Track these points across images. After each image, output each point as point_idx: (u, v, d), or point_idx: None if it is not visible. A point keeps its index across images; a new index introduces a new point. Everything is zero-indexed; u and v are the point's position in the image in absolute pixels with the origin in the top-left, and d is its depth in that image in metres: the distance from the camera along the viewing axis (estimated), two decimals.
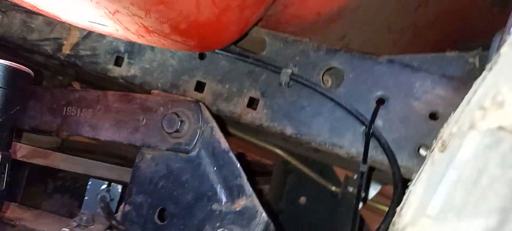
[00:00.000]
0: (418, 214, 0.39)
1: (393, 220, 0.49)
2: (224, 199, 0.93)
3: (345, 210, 2.10)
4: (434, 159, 0.41)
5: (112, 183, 1.15)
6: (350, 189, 2.09)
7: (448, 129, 0.42)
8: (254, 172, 2.45)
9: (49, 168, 1.65)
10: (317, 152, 1.91)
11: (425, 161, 0.50)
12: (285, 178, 2.21)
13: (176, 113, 0.93)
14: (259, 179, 2.29)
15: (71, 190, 1.70)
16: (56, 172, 1.71)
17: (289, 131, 1.10)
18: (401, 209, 0.43)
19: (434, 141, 0.52)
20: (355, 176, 2.08)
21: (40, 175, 1.66)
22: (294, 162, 2.08)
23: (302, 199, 2.18)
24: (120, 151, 1.89)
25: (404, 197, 0.50)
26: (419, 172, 0.47)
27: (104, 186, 1.13)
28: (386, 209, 1.91)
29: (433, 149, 0.44)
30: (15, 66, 0.74)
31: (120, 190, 1.14)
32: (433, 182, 0.40)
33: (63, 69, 1.66)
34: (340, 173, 2.17)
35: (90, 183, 1.13)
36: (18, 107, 0.75)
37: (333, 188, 2.09)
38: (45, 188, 1.68)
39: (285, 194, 2.16)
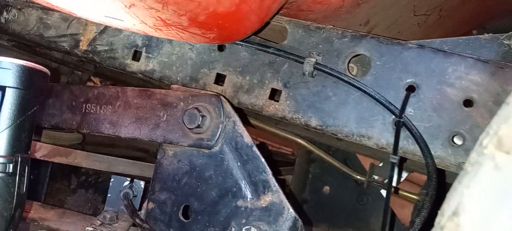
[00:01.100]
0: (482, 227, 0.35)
1: (438, 221, 0.45)
2: (249, 195, 0.90)
3: (371, 198, 2.06)
4: (497, 161, 0.37)
5: (135, 179, 1.13)
6: (376, 177, 2.04)
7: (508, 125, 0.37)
8: (276, 162, 2.42)
9: (70, 164, 1.65)
10: (340, 140, 1.86)
11: (473, 156, 0.45)
12: (308, 167, 2.17)
13: (197, 109, 0.90)
14: (282, 169, 2.26)
15: (94, 185, 1.70)
16: (79, 167, 1.71)
17: (313, 122, 1.05)
18: (454, 215, 0.38)
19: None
20: (381, 164, 2.03)
21: (63, 171, 1.67)
22: (317, 151, 2.04)
23: (326, 189, 2.14)
24: (142, 144, 1.88)
25: (450, 195, 0.45)
26: (468, 168, 0.42)
27: (126, 183, 1.12)
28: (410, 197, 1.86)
29: (486, 145, 0.39)
30: (31, 66, 0.71)
31: (143, 186, 1.12)
32: (501, 192, 0.35)
33: (82, 65, 1.65)
34: (365, 161, 2.12)
35: (112, 180, 1.12)
36: (35, 108, 0.73)
37: (358, 177, 2.04)
38: (68, 184, 1.68)
39: (309, 183, 2.13)
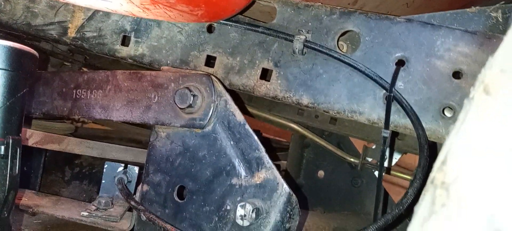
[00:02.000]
0: (472, 154, 0.35)
1: (432, 176, 0.45)
2: (243, 173, 0.90)
3: (365, 181, 2.07)
4: (482, 104, 0.37)
5: (129, 165, 1.13)
6: (369, 159, 2.05)
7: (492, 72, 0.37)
8: (271, 148, 2.42)
9: (64, 155, 1.64)
10: (333, 124, 1.87)
11: (463, 110, 0.45)
12: (302, 152, 2.18)
13: (188, 88, 0.90)
14: (276, 154, 2.27)
15: (89, 176, 1.70)
16: (72, 159, 1.71)
17: (305, 100, 1.06)
18: (443, 164, 0.38)
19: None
20: (374, 146, 2.04)
21: (56, 163, 1.66)
22: (311, 135, 2.04)
23: (320, 173, 2.15)
24: (135, 135, 1.88)
25: (443, 153, 0.46)
26: (459, 119, 0.43)
27: (120, 169, 1.12)
28: (404, 178, 1.87)
29: (473, 95, 0.40)
30: (19, 47, 0.71)
31: (137, 171, 1.12)
32: (485, 133, 0.36)
33: (71, 57, 1.64)
34: (358, 144, 2.13)
35: (106, 166, 1.12)
36: (25, 90, 0.73)
37: (352, 159, 2.05)
38: (62, 176, 1.68)
39: (303, 168, 2.14)
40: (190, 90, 0.90)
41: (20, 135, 0.73)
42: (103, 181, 1.11)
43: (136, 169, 1.12)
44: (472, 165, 0.36)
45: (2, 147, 0.69)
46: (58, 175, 1.64)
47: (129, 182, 1.11)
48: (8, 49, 0.70)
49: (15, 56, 0.70)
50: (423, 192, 0.42)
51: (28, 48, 0.73)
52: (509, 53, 0.38)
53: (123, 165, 1.12)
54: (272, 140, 2.79)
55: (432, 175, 0.42)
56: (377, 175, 1.99)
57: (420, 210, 0.39)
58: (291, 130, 1.98)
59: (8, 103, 0.70)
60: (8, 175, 0.70)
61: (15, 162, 0.71)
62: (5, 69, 0.70)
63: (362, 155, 1.99)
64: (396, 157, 1.94)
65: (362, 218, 1.85)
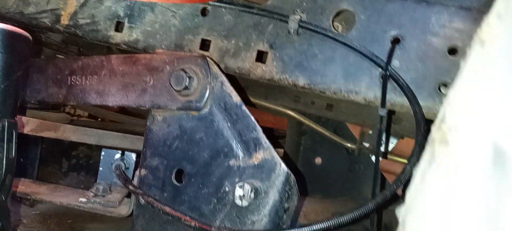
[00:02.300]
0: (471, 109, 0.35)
1: (431, 137, 0.45)
2: (241, 154, 0.90)
3: (362, 166, 2.07)
4: (476, 55, 0.37)
5: (126, 152, 1.13)
6: (366, 144, 2.05)
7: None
8: (273, 137, 2.42)
9: (61, 147, 1.64)
10: (329, 110, 1.87)
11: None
12: (299, 140, 2.18)
13: (183, 70, 0.89)
14: (278, 141, 2.26)
15: (86, 167, 1.69)
16: (69, 150, 1.70)
17: (301, 81, 1.05)
18: (442, 122, 0.38)
19: None
20: (371, 131, 2.05)
21: (53, 155, 1.66)
22: (307, 122, 2.05)
23: (318, 160, 2.16)
24: (130, 126, 1.87)
25: (441, 113, 0.46)
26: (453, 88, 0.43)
27: (118, 155, 1.12)
28: (402, 162, 1.88)
29: (470, 53, 0.40)
30: (12, 29, 0.70)
31: (134, 158, 1.12)
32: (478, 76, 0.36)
33: (65, 47, 1.62)
34: (355, 130, 2.13)
35: (103, 153, 1.11)
36: (19, 73, 0.72)
37: (349, 145, 2.05)
38: (59, 168, 1.67)
39: (301, 155, 2.14)
40: (186, 72, 0.89)
41: (16, 118, 0.72)
42: (100, 168, 1.11)
43: (134, 155, 1.12)
44: (470, 115, 0.36)
45: None
46: (55, 166, 1.63)
47: (127, 168, 1.10)
48: (1, 31, 0.69)
49: (8, 39, 0.70)
50: (422, 154, 0.42)
51: (21, 30, 0.72)
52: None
53: (120, 152, 1.12)
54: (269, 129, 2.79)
55: (431, 136, 0.42)
56: (374, 160, 1.99)
57: (420, 167, 0.39)
58: (288, 117, 1.98)
59: (2, 86, 0.69)
60: (4, 158, 0.70)
61: (11, 146, 0.70)
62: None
63: (359, 140, 2.00)
64: (393, 141, 1.95)
65: (360, 203, 1.85)
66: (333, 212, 1.71)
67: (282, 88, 1.82)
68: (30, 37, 0.75)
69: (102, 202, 1.00)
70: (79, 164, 1.71)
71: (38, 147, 1.53)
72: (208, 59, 0.92)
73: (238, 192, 0.85)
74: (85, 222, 1.28)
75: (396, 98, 1.02)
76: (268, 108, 1.92)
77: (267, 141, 0.89)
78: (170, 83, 0.90)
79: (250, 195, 0.85)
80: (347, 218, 0.80)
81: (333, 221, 0.81)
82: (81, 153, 1.74)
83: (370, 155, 2.06)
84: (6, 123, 0.69)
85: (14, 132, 0.71)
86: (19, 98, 0.74)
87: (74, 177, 1.65)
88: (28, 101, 1.07)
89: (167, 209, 0.89)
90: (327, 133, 2.04)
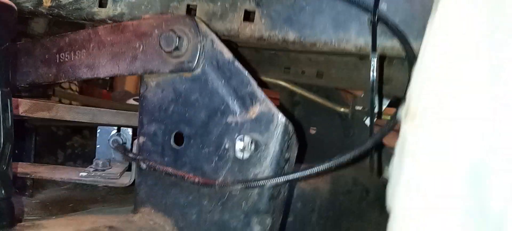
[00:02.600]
0: None
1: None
2: (238, 110, 0.90)
3: (357, 130, 2.08)
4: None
5: (122, 128, 1.12)
6: (360, 108, 2.06)
7: None
8: None
9: (55, 138, 1.62)
10: (320, 77, 1.87)
11: None
12: (292, 111, 2.18)
13: (172, 31, 0.89)
14: None
15: (82, 156, 1.68)
16: (63, 141, 1.69)
17: (291, 36, 1.05)
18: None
19: None
20: (362, 94, 2.06)
21: (48, 147, 1.64)
22: (300, 90, 2.05)
23: (312, 130, 2.16)
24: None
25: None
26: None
27: (114, 132, 1.11)
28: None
29: None
30: None
31: (131, 133, 1.11)
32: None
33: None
34: (347, 96, 2.14)
35: (99, 130, 1.11)
36: (7, 44, 0.71)
37: (342, 110, 2.06)
38: (55, 159, 1.66)
39: (294, 125, 2.14)
40: (175, 33, 0.88)
41: (9, 88, 0.71)
42: (97, 146, 1.10)
43: (130, 130, 1.12)
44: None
45: None
46: (51, 158, 1.62)
47: (124, 143, 1.10)
48: None
49: None
50: None
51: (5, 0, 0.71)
52: None
53: (116, 128, 1.11)
54: None
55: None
56: (367, 123, 2.01)
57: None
58: (280, 88, 1.99)
59: None
60: (1, 128, 0.69)
61: (7, 115, 0.69)
62: None
63: (351, 103, 2.01)
64: (385, 102, 1.96)
65: (356, 166, 1.86)
66: (332, 174, 1.72)
67: (272, 60, 1.82)
68: (15, 7, 0.73)
69: (103, 174, 0.99)
70: (75, 153, 1.70)
71: (32, 139, 1.51)
72: (196, 18, 0.91)
73: (239, 145, 0.85)
74: (86, 205, 1.28)
75: (386, 42, 1.02)
76: (260, 81, 1.91)
77: (263, 94, 0.89)
78: (160, 46, 0.90)
79: (250, 147, 0.85)
80: (348, 157, 0.81)
81: (335, 161, 0.81)
82: (76, 143, 1.73)
83: (364, 119, 2.07)
84: (0, 92, 0.68)
85: (8, 101, 0.70)
86: (10, 69, 0.72)
87: (70, 166, 1.64)
88: (19, 86, 1.05)
89: (170, 169, 0.89)
90: (320, 100, 2.05)
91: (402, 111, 0.44)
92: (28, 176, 0.99)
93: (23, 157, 1.45)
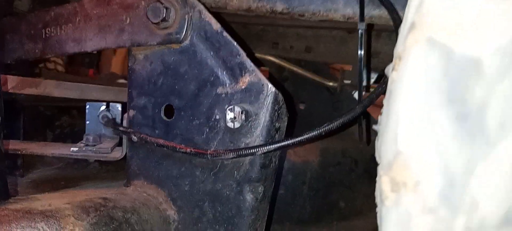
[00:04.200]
0: None
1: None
2: (227, 81, 0.90)
3: (346, 104, 2.10)
4: None
5: (111, 103, 1.12)
6: (348, 82, 2.08)
7: None
8: None
9: (43, 118, 1.61)
10: (308, 52, 1.87)
11: None
12: (282, 85, 2.19)
13: (159, 1, 0.88)
14: None
15: (71, 135, 1.67)
16: (52, 121, 1.67)
17: (279, 6, 1.05)
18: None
19: None
20: (351, 68, 2.07)
21: (36, 128, 1.63)
22: (288, 65, 2.05)
23: (301, 105, 2.17)
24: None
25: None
26: None
27: (103, 107, 1.10)
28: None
29: None
30: None
31: (120, 108, 1.11)
32: None
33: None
34: (335, 72, 2.15)
35: (88, 106, 1.10)
36: None
37: (330, 84, 2.07)
38: (44, 139, 1.64)
39: (284, 95, 2.15)
40: (162, 3, 0.88)
41: None
42: (87, 122, 1.10)
43: (119, 105, 1.11)
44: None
45: None
46: (39, 138, 1.61)
47: (113, 118, 1.10)
48: None
49: None
50: None
51: None
52: None
53: (105, 103, 1.11)
54: None
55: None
56: (356, 97, 2.02)
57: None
58: (268, 63, 1.98)
59: None
60: None
61: None
62: None
63: (340, 77, 2.02)
64: (373, 76, 1.97)
65: (345, 139, 1.89)
66: (321, 148, 1.74)
67: (260, 35, 1.81)
68: None
69: (94, 149, 0.99)
70: (64, 133, 1.69)
71: (20, 120, 1.50)
72: None
73: (229, 115, 0.86)
74: (78, 182, 1.28)
75: (373, 11, 1.03)
76: (248, 53, 1.90)
77: (252, 64, 0.89)
78: (147, 17, 0.89)
79: (241, 117, 0.86)
80: (337, 123, 0.82)
81: (324, 128, 0.83)
82: (65, 123, 1.72)
83: (352, 92, 2.09)
84: None
85: None
86: None
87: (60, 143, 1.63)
88: (5, 62, 1.04)
89: (161, 141, 0.89)
90: (308, 74, 2.05)
91: (389, 67, 0.45)
92: (19, 152, 0.99)
93: (12, 138, 1.44)
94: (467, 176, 0.33)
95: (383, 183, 0.38)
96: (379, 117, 0.48)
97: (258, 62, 1.89)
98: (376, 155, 0.46)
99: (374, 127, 0.49)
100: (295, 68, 2.02)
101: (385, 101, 0.44)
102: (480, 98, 0.31)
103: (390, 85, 0.41)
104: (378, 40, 1.62)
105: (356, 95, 2.06)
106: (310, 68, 2.05)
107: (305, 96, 2.18)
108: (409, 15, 0.41)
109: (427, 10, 0.36)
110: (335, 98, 2.13)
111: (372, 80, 2.02)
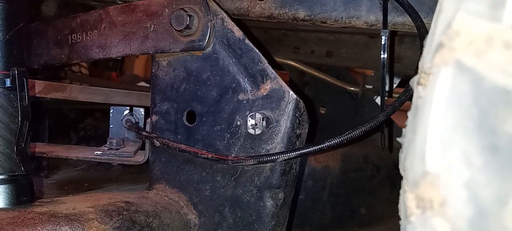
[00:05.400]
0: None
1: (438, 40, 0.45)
2: (249, 88, 0.90)
3: (367, 109, 2.07)
4: None
5: (134, 107, 1.13)
6: (370, 87, 2.05)
7: None
8: None
9: (67, 120, 1.65)
10: (330, 57, 1.86)
11: None
12: (303, 91, 2.18)
13: (183, 10, 0.89)
14: None
15: (95, 137, 1.71)
16: (76, 123, 1.71)
17: (301, 14, 1.05)
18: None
19: None
20: (373, 73, 2.04)
21: (61, 130, 1.67)
22: (309, 70, 2.05)
23: (322, 110, 2.16)
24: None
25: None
26: None
27: (126, 112, 1.12)
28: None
29: None
30: None
31: (143, 113, 1.13)
32: None
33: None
34: (356, 76, 2.14)
35: (111, 111, 1.12)
36: (22, 24, 0.72)
37: (352, 89, 2.06)
38: (69, 141, 1.68)
39: (305, 102, 2.14)
40: (186, 11, 0.89)
41: (24, 68, 0.73)
42: (111, 126, 1.12)
43: (142, 110, 1.13)
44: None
45: (8, 80, 0.69)
46: (64, 140, 1.65)
47: (137, 123, 1.11)
48: None
49: None
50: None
51: None
52: None
53: (128, 108, 1.13)
54: None
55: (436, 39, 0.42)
56: (379, 102, 2.00)
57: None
58: (289, 68, 1.98)
59: (8, 36, 0.69)
60: (19, 106, 0.71)
61: (23, 94, 0.71)
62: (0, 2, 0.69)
63: (362, 82, 2.00)
64: (396, 81, 1.95)
65: (367, 144, 1.87)
66: (342, 153, 1.73)
67: (281, 40, 1.81)
68: None
69: (118, 153, 1.01)
70: (88, 135, 1.72)
71: (45, 122, 1.54)
72: None
73: (250, 121, 0.86)
74: (101, 184, 1.30)
75: (397, 18, 1.02)
76: (270, 62, 1.90)
77: (273, 71, 0.90)
78: (171, 25, 0.90)
79: (262, 123, 0.86)
80: (359, 131, 0.82)
81: (346, 136, 0.82)
82: (88, 125, 1.76)
83: (374, 97, 2.06)
84: (16, 72, 0.70)
85: (24, 80, 0.71)
86: (24, 50, 0.74)
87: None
88: (32, 66, 1.07)
89: (183, 146, 0.90)
90: (329, 79, 2.04)
91: (414, 80, 0.44)
92: (45, 155, 1.01)
93: (38, 139, 1.48)
94: (499, 208, 0.32)
95: (408, 199, 0.37)
96: (404, 129, 0.47)
97: (277, 66, 1.89)
98: (400, 167, 0.45)
99: (398, 139, 0.48)
100: (316, 73, 2.01)
101: (410, 115, 0.44)
102: None
103: (416, 100, 0.41)
104: (401, 45, 1.60)
105: (378, 100, 2.03)
106: (331, 73, 2.04)
107: (326, 100, 2.16)
108: (436, 32, 0.40)
109: (457, 31, 0.35)
110: (356, 104, 2.11)
111: (394, 85, 1.99)
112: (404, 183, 0.40)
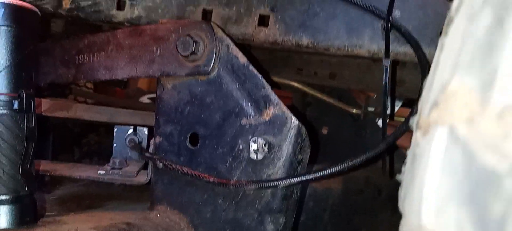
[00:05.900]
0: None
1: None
2: (252, 113, 0.92)
3: (369, 131, 2.08)
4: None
5: (138, 127, 1.15)
6: (372, 109, 2.06)
7: None
8: None
9: (71, 137, 1.66)
10: (332, 79, 1.88)
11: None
12: (305, 111, 2.19)
13: (189, 36, 0.91)
14: None
15: (98, 153, 1.72)
16: (79, 139, 1.72)
17: (305, 41, 1.07)
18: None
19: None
20: (375, 96, 2.06)
21: (64, 146, 1.68)
22: (312, 91, 2.06)
23: (324, 130, 2.17)
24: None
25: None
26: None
27: (130, 131, 1.14)
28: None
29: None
30: (20, 3, 0.72)
31: (146, 132, 1.14)
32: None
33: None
34: (359, 97, 2.15)
35: (115, 130, 1.14)
36: (32, 47, 0.74)
37: (354, 111, 2.07)
38: (72, 156, 1.70)
39: (306, 127, 2.15)
40: (192, 37, 0.91)
41: (32, 90, 0.74)
42: (114, 145, 1.13)
43: (146, 130, 1.14)
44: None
45: (16, 102, 0.71)
46: (67, 155, 1.66)
47: (140, 142, 1.13)
48: (10, 6, 0.71)
49: (17, 13, 0.72)
50: None
51: (27, 4, 0.74)
52: None
53: (132, 127, 1.14)
54: None
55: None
56: (379, 124, 2.01)
57: None
58: (292, 89, 2.00)
59: (17, 60, 0.71)
60: (25, 128, 0.72)
61: (30, 115, 0.73)
62: (10, 26, 0.71)
63: (364, 104, 2.02)
64: (398, 104, 1.96)
65: (369, 166, 1.86)
66: (344, 175, 1.73)
67: (285, 61, 1.83)
68: (38, 11, 0.76)
69: (120, 173, 1.02)
70: (91, 150, 1.74)
71: (49, 137, 1.55)
72: (212, 23, 0.94)
73: (252, 146, 0.88)
74: (103, 201, 1.31)
75: (399, 48, 1.03)
76: (272, 82, 1.93)
77: (276, 97, 0.91)
78: (177, 50, 0.92)
79: (264, 149, 0.87)
80: (360, 159, 0.83)
81: (347, 163, 0.83)
82: (92, 140, 1.77)
83: (376, 119, 2.07)
84: (24, 94, 0.71)
85: (32, 102, 0.73)
86: (33, 71, 0.76)
87: (87, 164, 1.67)
88: (38, 85, 1.09)
89: (185, 169, 0.91)
90: (332, 101, 2.06)
91: (414, 120, 0.45)
92: (48, 173, 1.03)
93: (41, 154, 1.49)
94: None
95: None
96: (403, 167, 0.48)
97: (277, 87, 1.90)
98: (400, 204, 0.46)
99: (398, 176, 0.49)
100: (318, 94, 2.03)
101: (409, 158, 0.45)
102: (500, 213, 0.31)
103: (414, 147, 0.42)
104: (403, 70, 1.62)
105: (379, 123, 2.05)
106: (334, 94, 2.06)
107: (328, 121, 2.18)
108: (433, 88, 0.41)
109: (452, 94, 0.37)
110: (358, 125, 2.12)
111: (396, 108, 2.00)
112: (402, 223, 0.41)
